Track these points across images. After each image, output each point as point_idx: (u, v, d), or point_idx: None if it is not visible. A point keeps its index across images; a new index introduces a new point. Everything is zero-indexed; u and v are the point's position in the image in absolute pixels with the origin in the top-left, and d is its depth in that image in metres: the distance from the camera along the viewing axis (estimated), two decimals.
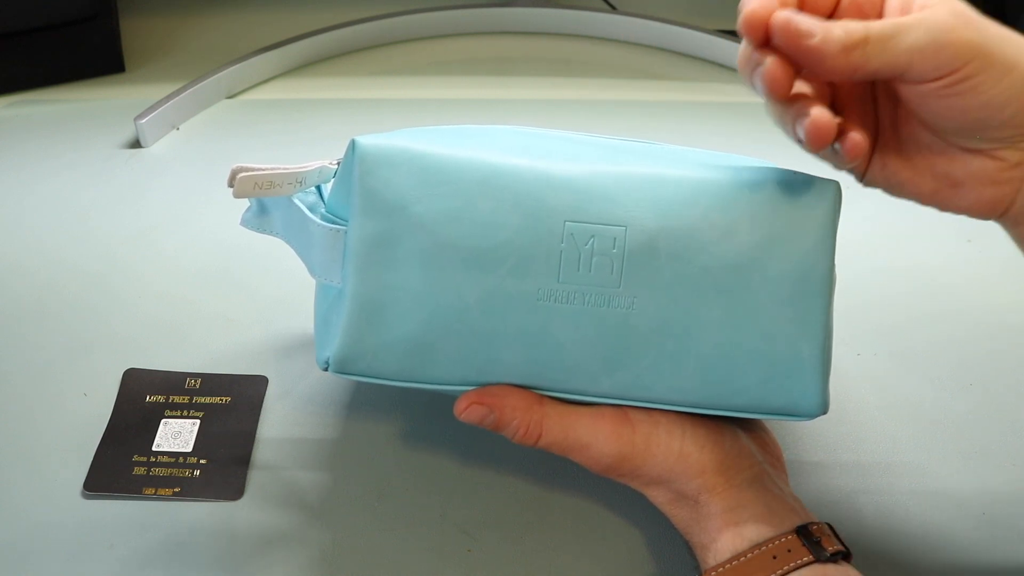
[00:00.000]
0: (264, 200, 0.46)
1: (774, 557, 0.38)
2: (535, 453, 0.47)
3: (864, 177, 0.41)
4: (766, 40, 0.35)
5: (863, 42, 0.34)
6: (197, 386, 0.53)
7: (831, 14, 0.37)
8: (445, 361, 0.41)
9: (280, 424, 0.51)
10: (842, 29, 0.34)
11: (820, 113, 0.35)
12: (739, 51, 0.37)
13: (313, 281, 0.46)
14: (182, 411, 0.52)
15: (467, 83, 0.87)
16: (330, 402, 0.53)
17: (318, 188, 0.46)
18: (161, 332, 0.57)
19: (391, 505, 0.47)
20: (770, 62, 0.35)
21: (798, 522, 0.40)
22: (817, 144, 0.36)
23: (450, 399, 0.42)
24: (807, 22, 0.34)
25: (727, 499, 0.41)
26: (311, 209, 0.44)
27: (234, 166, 0.40)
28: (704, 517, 0.41)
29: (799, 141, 0.37)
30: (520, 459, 0.49)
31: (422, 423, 0.51)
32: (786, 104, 0.37)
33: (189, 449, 0.50)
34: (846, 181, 0.42)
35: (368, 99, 0.83)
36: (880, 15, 0.37)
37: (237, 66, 0.83)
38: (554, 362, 0.41)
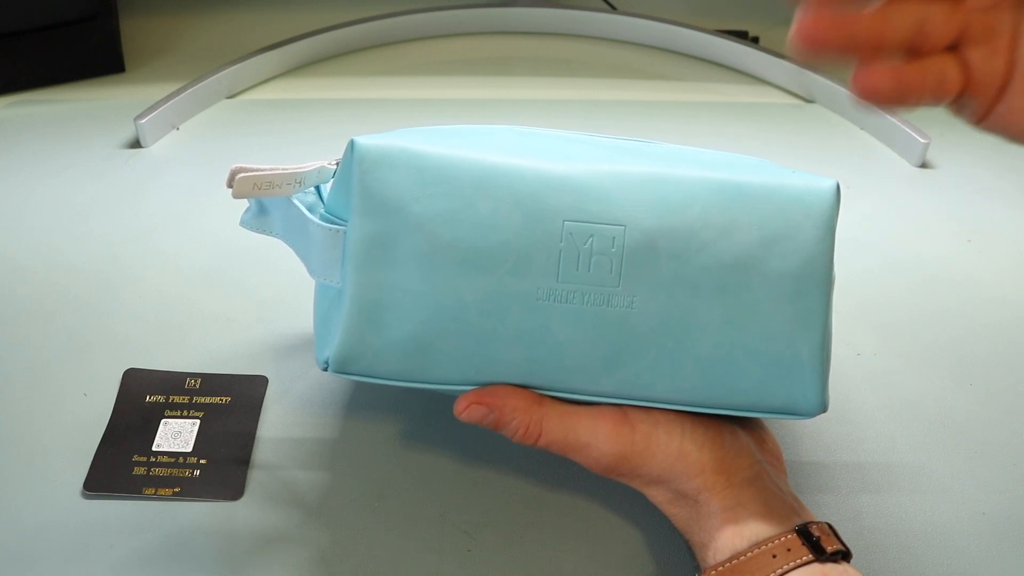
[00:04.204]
0: (263, 201, 0.46)
1: (774, 556, 0.38)
2: (535, 453, 0.47)
3: (984, 120, 0.36)
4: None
5: None
6: (197, 386, 0.53)
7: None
8: (445, 361, 0.41)
9: (280, 424, 0.51)
10: None
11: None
12: None
13: (313, 281, 0.46)
14: (182, 411, 0.52)
15: (467, 83, 0.87)
16: (330, 402, 0.53)
17: (317, 188, 0.46)
18: (161, 332, 0.57)
19: (391, 505, 0.47)
20: None
21: (798, 521, 0.40)
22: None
23: (450, 399, 0.42)
24: None
25: (726, 498, 0.41)
26: (310, 209, 0.44)
27: (233, 167, 0.40)
28: (704, 516, 0.41)
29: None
30: (520, 459, 0.49)
31: (422, 423, 0.52)
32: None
33: (189, 449, 0.50)
34: (845, 181, 0.42)
35: (368, 99, 0.83)
36: None
37: (237, 66, 0.83)
38: (554, 362, 0.41)
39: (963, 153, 0.78)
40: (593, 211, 0.40)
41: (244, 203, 0.47)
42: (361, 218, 0.40)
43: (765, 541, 0.39)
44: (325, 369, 0.42)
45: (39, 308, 0.59)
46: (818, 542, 0.39)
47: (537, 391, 0.42)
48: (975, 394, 0.55)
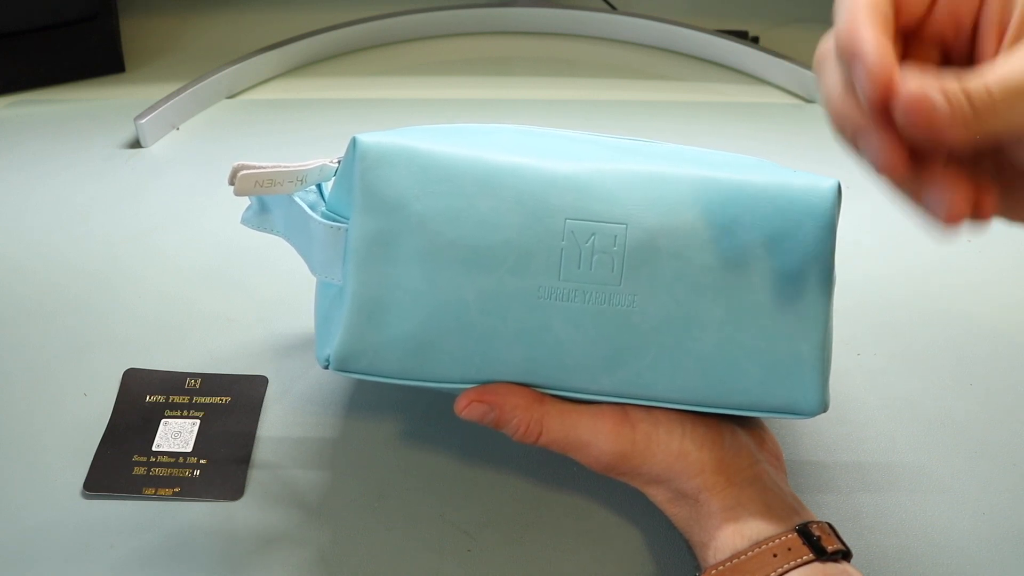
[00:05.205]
0: (265, 198, 0.46)
1: (774, 555, 0.38)
2: (535, 453, 0.47)
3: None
4: (884, 106, 0.29)
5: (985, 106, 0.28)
6: (197, 386, 0.53)
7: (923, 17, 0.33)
8: (445, 359, 0.41)
9: (280, 424, 0.51)
10: (960, 93, 0.28)
11: (957, 193, 0.30)
12: (832, 98, 0.31)
13: (313, 280, 0.46)
14: (182, 411, 0.52)
15: (467, 83, 0.87)
16: (330, 402, 0.53)
17: (319, 186, 0.46)
18: (161, 332, 0.57)
19: (391, 505, 0.47)
20: (886, 145, 0.30)
21: (798, 521, 0.40)
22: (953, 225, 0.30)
23: (450, 398, 0.42)
24: (935, 95, 0.28)
25: (727, 498, 0.41)
26: (311, 207, 0.44)
27: (235, 164, 0.41)
28: (704, 516, 0.41)
29: (929, 214, 0.31)
30: (520, 459, 0.49)
31: (422, 423, 0.51)
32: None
33: (189, 449, 0.50)
34: (845, 181, 0.42)
35: (368, 99, 0.83)
36: (975, 20, 0.32)
37: (237, 66, 0.83)
38: (554, 360, 0.41)
39: None
40: (595, 210, 0.40)
41: (245, 202, 0.47)
42: (363, 216, 0.40)
43: (765, 540, 0.39)
44: (326, 367, 0.42)
45: (39, 308, 0.59)
46: (818, 542, 0.39)
47: (538, 389, 0.42)
48: (975, 394, 0.55)
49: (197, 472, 0.48)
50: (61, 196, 0.69)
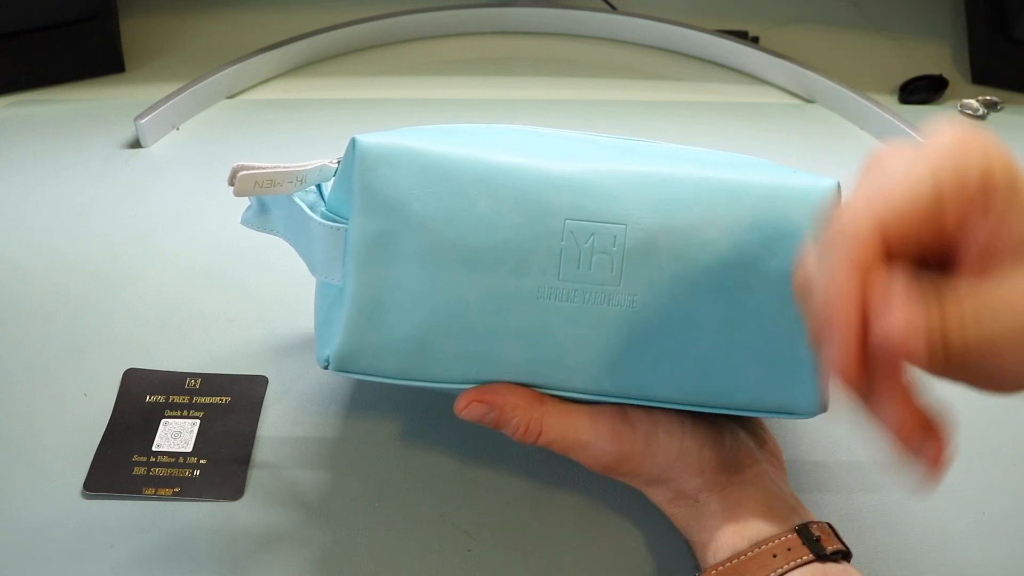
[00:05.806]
0: (264, 199, 0.46)
1: (774, 556, 0.38)
2: (535, 453, 0.47)
3: None
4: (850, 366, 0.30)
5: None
6: (197, 386, 0.53)
7: None
8: (445, 360, 0.41)
9: (280, 424, 0.51)
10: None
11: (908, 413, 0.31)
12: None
13: (313, 280, 0.46)
14: (182, 411, 0.52)
15: (467, 83, 0.87)
16: (330, 402, 0.53)
17: (318, 187, 0.46)
18: (161, 332, 0.57)
19: (391, 505, 0.47)
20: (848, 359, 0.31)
21: (798, 521, 0.40)
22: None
23: (450, 398, 0.42)
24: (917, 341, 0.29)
25: (727, 498, 0.41)
26: (311, 208, 0.44)
27: (235, 164, 0.41)
28: (704, 516, 0.41)
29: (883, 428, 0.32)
30: (520, 459, 0.49)
31: (422, 423, 0.51)
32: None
33: (189, 449, 0.50)
34: (846, 181, 0.42)
35: (368, 99, 0.83)
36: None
37: (237, 66, 0.83)
38: (554, 360, 0.41)
39: None
40: (594, 210, 0.40)
41: (244, 202, 0.47)
42: (362, 216, 0.40)
43: (765, 541, 0.39)
44: (326, 367, 0.42)
45: (39, 308, 0.59)
46: (818, 542, 0.39)
47: (538, 389, 0.42)
48: (975, 394, 0.55)
49: (197, 472, 0.48)
50: (61, 196, 0.69)
